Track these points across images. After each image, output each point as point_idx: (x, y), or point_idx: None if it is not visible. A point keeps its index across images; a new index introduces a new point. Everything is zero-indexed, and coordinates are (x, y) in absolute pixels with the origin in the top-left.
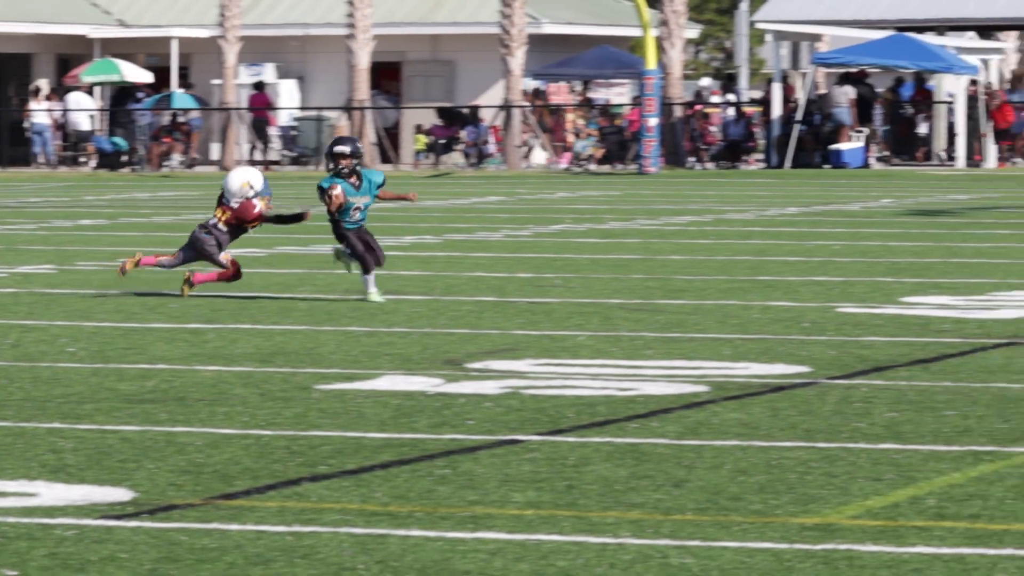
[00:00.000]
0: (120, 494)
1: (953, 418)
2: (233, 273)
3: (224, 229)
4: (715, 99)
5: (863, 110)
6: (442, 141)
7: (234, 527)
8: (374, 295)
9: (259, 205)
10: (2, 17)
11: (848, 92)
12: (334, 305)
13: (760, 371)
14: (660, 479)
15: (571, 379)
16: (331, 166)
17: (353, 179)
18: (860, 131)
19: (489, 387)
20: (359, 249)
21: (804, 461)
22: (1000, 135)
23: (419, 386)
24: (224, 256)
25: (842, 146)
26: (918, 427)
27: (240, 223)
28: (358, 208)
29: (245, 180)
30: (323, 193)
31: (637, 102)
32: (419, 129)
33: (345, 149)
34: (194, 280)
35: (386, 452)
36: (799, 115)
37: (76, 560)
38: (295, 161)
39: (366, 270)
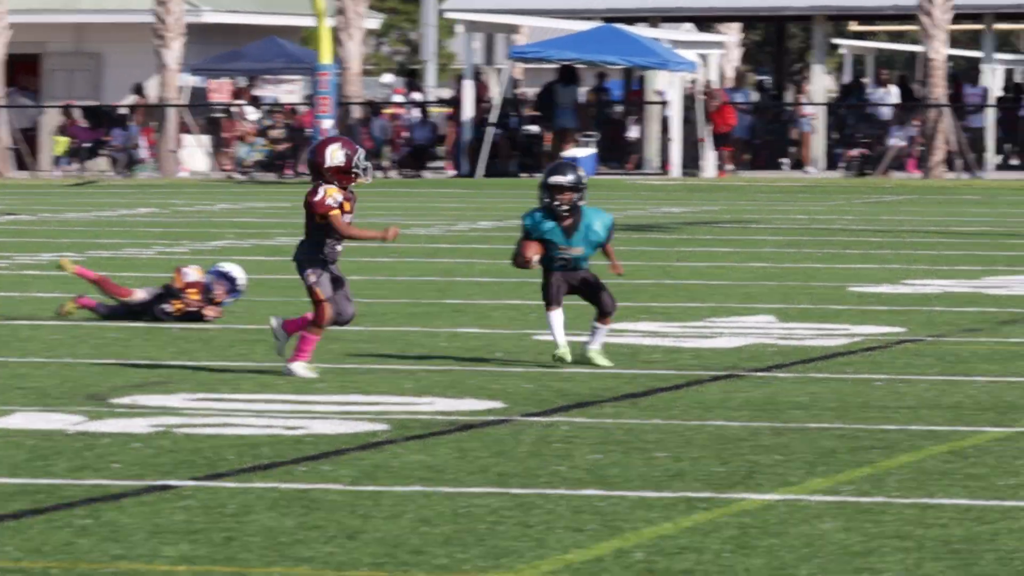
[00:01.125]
0: None
1: (664, 460)
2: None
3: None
4: (398, 98)
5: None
6: (87, 144)
7: None
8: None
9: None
10: None
11: (574, 93)
12: None
13: (446, 407)
14: (332, 530)
15: (231, 416)
16: (546, 200)
17: (568, 221)
18: (589, 136)
19: (138, 425)
20: (551, 290)
21: (496, 509)
22: (720, 140)
23: (57, 424)
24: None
25: (577, 153)
26: (625, 471)
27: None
28: (565, 260)
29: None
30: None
31: (310, 101)
32: (61, 131)
33: (564, 181)
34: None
35: (19, 500)
36: (494, 117)
37: None
38: None
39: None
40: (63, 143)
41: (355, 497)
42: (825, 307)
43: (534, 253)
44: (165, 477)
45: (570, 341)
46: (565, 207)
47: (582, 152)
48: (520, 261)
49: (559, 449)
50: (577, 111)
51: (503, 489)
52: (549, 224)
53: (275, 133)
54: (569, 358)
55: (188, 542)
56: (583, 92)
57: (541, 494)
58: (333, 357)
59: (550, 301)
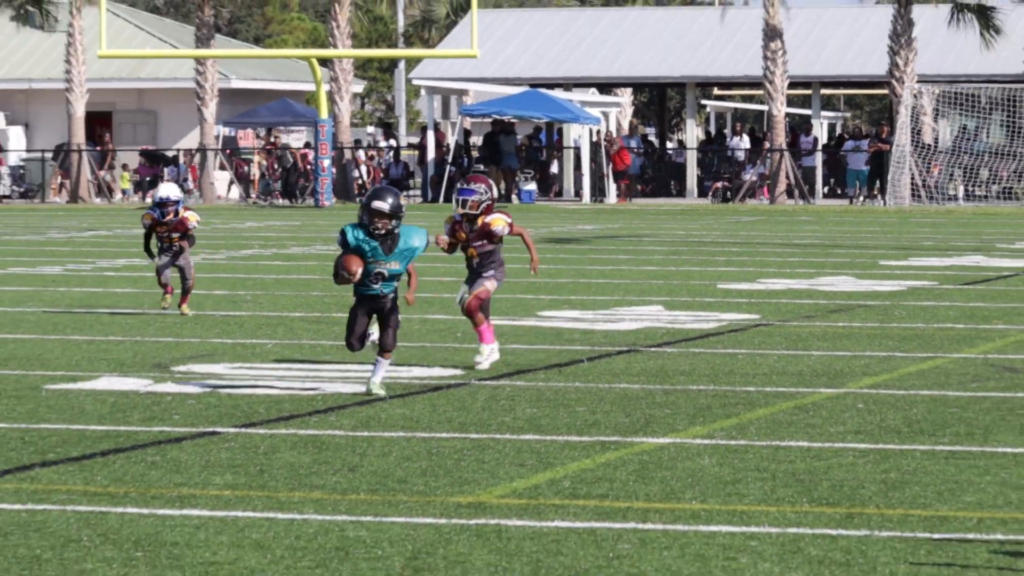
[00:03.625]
0: None
1: (584, 413)
2: None
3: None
4: (381, 144)
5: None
6: (147, 179)
7: None
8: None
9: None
10: None
11: (514, 141)
12: (59, 317)
13: (421, 374)
14: (337, 464)
15: (261, 380)
16: (364, 220)
17: (388, 240)
18: (528, 173)
19: (192, 387)
20: (348, 329)
21: (459, 449)
22: (618, 175)
23: (132, 386)
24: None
25: (527, 187)
26: (554, 421)
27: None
28: (381, 274)
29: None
30: (343, 246)
31: (311, 146)
32: (124, 168)
33: (385, 207)
34: None
35: (105, 442)
36: (450, 158)
37: None
38: (23, 195)
39: (349, 347)
40: (126, 178)
41: (354, 440)
42: (700, 299)
43: (358, 267)
44: (213, 425)
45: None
46: (381, 231)
47: (528, 186)
48: (344, 276)
49: (505, 405)
50: (517, 155)
51: (464, 435)
52: (374, 242)
53: (287, 170)
54: (379, 392)
55: (231, 473)
56: (519, 139)
57: (492, 438)
58: (335, 336)
59: (351, 345)
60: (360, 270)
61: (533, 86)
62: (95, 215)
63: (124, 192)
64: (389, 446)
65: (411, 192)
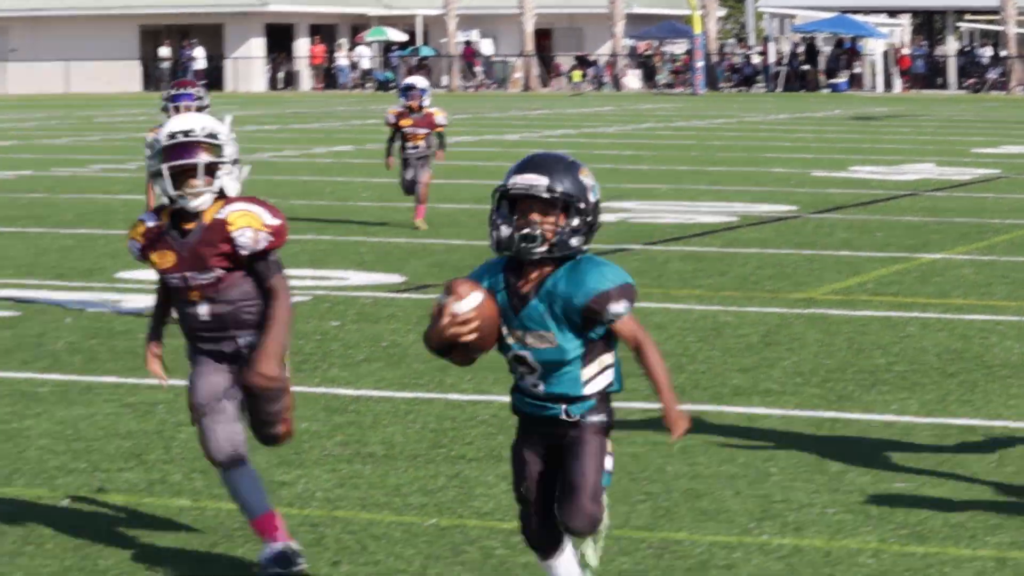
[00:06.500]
0: (397, 278)
1: (881, 237)
2: None
3: None
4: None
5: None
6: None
7: None
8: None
9: None
10: (321, 4)
11: (823, 51)
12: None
13: (755, 210)
14: (716, 269)
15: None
16: (497, 221)
17: (528, 281)
18: (840, 72)
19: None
20: (515, 485)
21: (796, 261)
22: (903, 73)
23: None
24: None
25: (836, 81)
26: (861, 242)
27: None
28: (523, 360)
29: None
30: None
31: (688, 52)
32: (574, 68)
33: (540, 182)
34: None
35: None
36: (785, 60)
37: (373, 316)
38: (487, 86)
39: (523, 531)
40: (578, 74)
41: (724, 255)
42: (959, 159)
43: (471, 289)
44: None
45: None
46: (535, 243)
47: (836, 80)
48: (441, 325)
49: (827, 231)
50: (834, 60)
51: (799, 251)
52: (501, 294)
53: (672, 70)
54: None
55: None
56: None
57: (818, 254)
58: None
59: (525, 527)
60: (476, 301)
61: (843, 12)
62: (541, 100)
63: (572, 82)
64: (749, 259)
65: (757, 84)
